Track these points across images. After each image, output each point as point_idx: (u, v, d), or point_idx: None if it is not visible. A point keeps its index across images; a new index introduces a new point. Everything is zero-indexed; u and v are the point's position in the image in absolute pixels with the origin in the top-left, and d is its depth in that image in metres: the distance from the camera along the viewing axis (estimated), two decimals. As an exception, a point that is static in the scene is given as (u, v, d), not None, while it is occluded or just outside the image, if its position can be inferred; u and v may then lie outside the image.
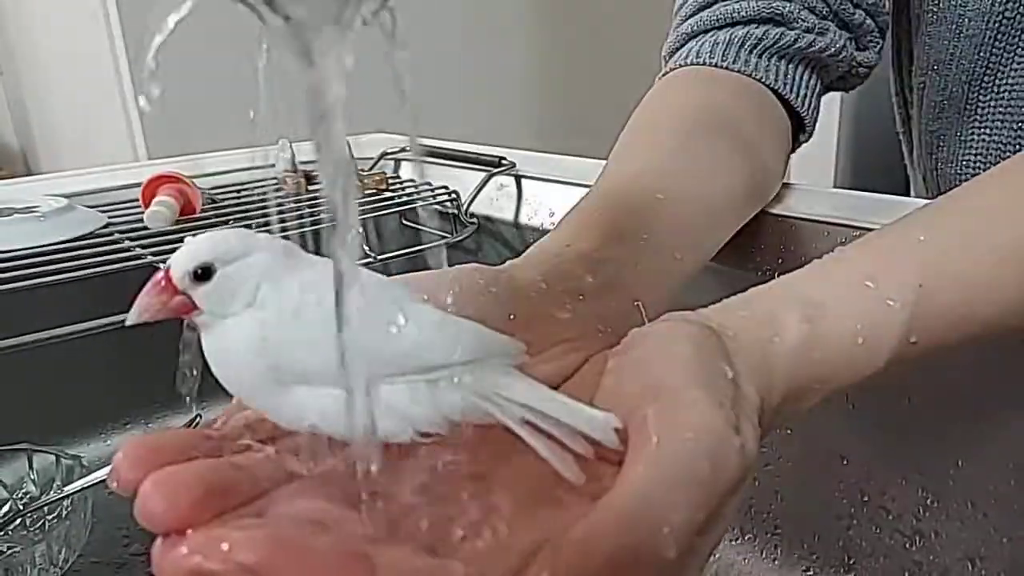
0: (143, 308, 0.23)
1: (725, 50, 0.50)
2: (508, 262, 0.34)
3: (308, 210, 0.61)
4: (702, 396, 0.21)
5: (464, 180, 0.65)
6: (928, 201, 0.34)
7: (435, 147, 0.68)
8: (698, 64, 0.50)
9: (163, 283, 0.23)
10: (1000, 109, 0.60)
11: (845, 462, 0.47)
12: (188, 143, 0.71)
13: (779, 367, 0.25)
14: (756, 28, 0.50)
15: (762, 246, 0.48)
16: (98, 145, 1.40)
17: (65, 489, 0.51)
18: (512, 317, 0.28)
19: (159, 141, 1.30)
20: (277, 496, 0.22)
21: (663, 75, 0.53)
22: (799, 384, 0.26)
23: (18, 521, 0.53)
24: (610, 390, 0.23)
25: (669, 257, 0.37)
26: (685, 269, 0.38)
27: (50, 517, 0.53)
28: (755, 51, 0.50)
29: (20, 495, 0.54)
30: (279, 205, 0.62)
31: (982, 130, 0.61)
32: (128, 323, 0.23)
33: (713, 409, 0.21)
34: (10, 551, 0.52)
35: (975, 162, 0.63)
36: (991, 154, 0.62)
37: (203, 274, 0.22)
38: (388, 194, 0.66)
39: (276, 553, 0.18)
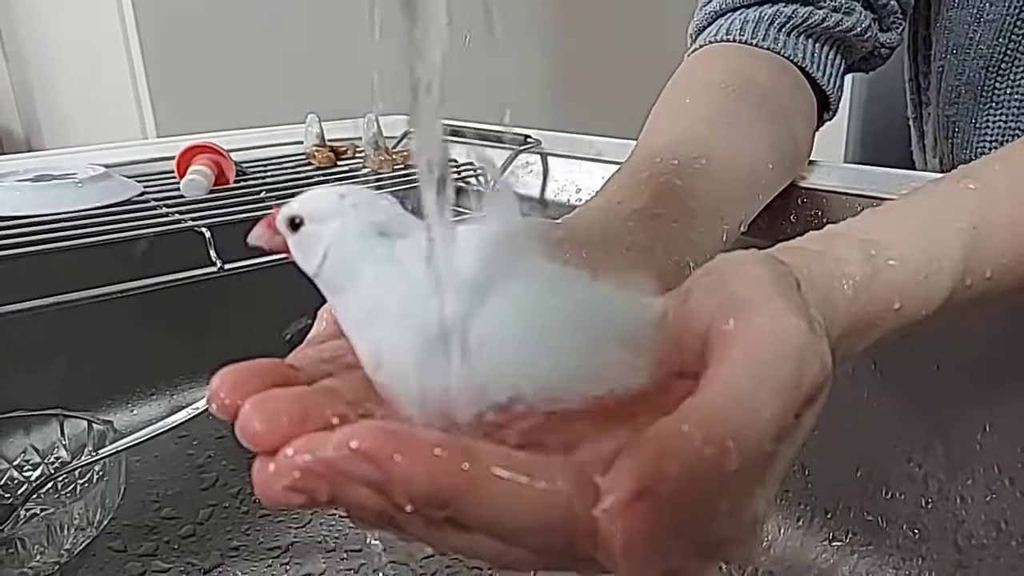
0: (255, 234, 0.25)
1: (755, 28, 0.51)
2: (561, 218, 0.35)
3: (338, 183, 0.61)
4: (784, 307, 0.21)
5: (489, 159, 0.66)
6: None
7: (460, 126, 0.69)
8: (728, 41, 0.51)
9: (271, 220, 0.24)
10: (1016, 96, 0.61)
11: (870, 429, 0.48)
12: (199, 129, 0.71)
13: (841, 301, 0.26)
14: (785, 7, 0.51)
15: (792, 218, 0.49)
16: (106, 132, 1.40)
17: (99, 452, 0.52)
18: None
19: (170, 128, 1.30)
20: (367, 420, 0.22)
21: (691, 52, 0.54)
22: (858, 319, 0.27)
23: (49, 485, 0.54)
24: (687, 308, 0.23)
25: (715, 217, 0.38)
26: (729, 230, 0.39)
27: (81, 481, 0.54)
28: (784, 29, 0.51)
29: (52, 460, 0.55)
30: (308, 178, 0.63)
31: (997, 116, 0.62)
32: (249, 241, 0.25)
33: (796, 318, 0.21)
34: (43, 512, 0.52)
35: (990, 148, 0.63)
36: (1006, 140, 0.62)
37: (295, 225, 0.24)
38: (413, 170, 0.67)
39: (386, 438, 0.18)
